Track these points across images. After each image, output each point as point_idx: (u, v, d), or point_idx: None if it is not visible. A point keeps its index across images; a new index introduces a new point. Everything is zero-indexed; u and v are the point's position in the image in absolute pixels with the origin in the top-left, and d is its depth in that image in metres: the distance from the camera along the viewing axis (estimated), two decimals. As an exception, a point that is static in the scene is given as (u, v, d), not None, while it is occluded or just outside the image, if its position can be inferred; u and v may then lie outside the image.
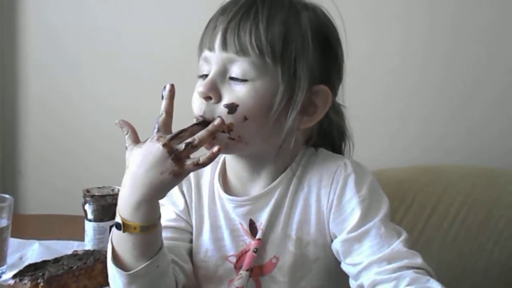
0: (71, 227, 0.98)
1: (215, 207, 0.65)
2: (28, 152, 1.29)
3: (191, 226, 0.66)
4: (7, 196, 0.85)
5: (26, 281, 0.68)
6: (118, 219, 0.55)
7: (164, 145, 0.53)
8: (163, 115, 0.57)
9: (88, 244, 0.88)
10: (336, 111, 0.66)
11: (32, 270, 0.72)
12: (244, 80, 0.58)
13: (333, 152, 0.66)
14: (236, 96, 0.57)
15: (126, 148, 0.57)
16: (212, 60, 0.59)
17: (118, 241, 0.56)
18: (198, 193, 0.66)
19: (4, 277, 0.81)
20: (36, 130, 1.28)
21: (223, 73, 0.59)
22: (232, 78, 0.58)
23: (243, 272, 0.62)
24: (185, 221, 0.66)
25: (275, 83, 0.58)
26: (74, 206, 0.94)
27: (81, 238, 0.90)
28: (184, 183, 0.66)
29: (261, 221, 0.62)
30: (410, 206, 0.96)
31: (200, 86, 0.59)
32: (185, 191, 0.67)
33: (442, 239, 0.95)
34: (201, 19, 0.62)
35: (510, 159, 1.07)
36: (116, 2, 1.21)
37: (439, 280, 0.56)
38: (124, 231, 0.55)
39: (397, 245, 0.56)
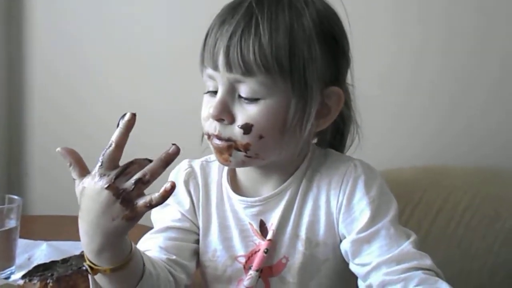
0: (78, 227, 0.98)
1: (223, 207, 0.65)
2: (35, 154, 1.30)
3: (197, 226, 0.66)
4: (15, 197, 0.86)
5: (35, 281, 0.68)
6: (86, 263, 0.51)
7: (108, 187, 0.46)
8: (112, 147, 0.48)
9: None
10: (345, 104, 0.64)
11: (41, 270, 0.72)
12: (255, 99, 0.56)
13: (341, 142, 0.66)
14: (249, 116, 0.57)
15: (74, 183, 0.50)
16: (218, 79, 0.58)
17: (96, 277, 0.52)
18: (206, 192, 0.66)
19: (13, 277, 0.82)
20: (43, 130, 1.28)
21: (231, 92, 0.57)
22: (241, 97, 0.57)
23: (252, 273, 0.62)
24: (190, 221, 0.66)
25: (287, 96, 0.57)
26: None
27: (89, 239, 0.90)
28: (191, 182, 0.66)
29: (272, 221, 0.62)
30: (416, 207, 0.96)
31: (211, 108, 0.57)
32: (192, 191, 0.66)
33: (448, 239, 0.94)
34: (212, 16, 0.61)
35: (509, 156, 1.06)
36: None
37: (447, 281, 0.56)
38: (94, 274, 0.51)
39: (406, 246, 0.57)
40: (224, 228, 0.65)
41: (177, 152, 0.48)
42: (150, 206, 0.46)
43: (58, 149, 0.49)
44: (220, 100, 0.57)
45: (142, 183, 0.47)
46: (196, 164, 0.68)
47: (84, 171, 0.49)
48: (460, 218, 0.95)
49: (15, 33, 1.26)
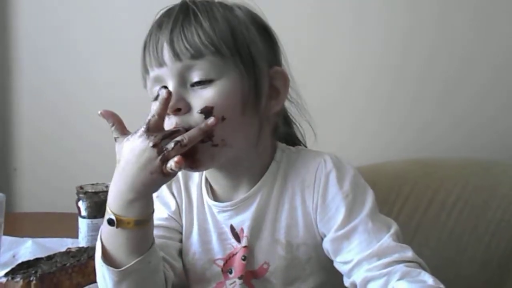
0: (65, 224, 0.97)
1: (203, 209, 0.65)
2: (23, 149, 1.28)
3: (182, 227, 0.66)
4: (-1, 193, 0.84)
5: (18, 279, 0.67)
6: (110, 215, 0.54)
7: (154, 145, 0.52)
8: (155, 117, 0.53)
9: (82, 241, 0.87)
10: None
11: (24, 268, 0.71)
12: (209, 81, 0.56)
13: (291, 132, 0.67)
14: (207, 99, 0.56)
15: (115, 140, 0.55)
16: (166, 75, 0.57)
17: (109, 237, 0.55)
18: (188, 195, 0.66)
19: (-3, 275, 0.80)
20: (31, 126, 1.27)
21: (183, 83, 0.57)
22: (194, 84, 0.56)
23: (236, 280, 0.62)
24: (176, 221, 0.65)
25: (239, 76, 0.57)
26: (70, 203, 0.93)
27: (75, 236, 0.89)
28: (174, 185, 0.66)
29: (243, 227, 0.62)
30: (406, 200, 0.95)
31: None
32: (175, 193, 0.66)
33: (439, 231, 0.94)
34: None
35: (498, 148, 1.06)
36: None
37: (435, 272, 0.55)
38: (117, 227, 0.54)
39: (386, 239, 0.56)
40: (203, 231, 0.64)
41: (216, 123, 0.55)
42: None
43: (99, 112, 0.55)
44: (173, 91, 0.56)
45: (181, 146, 0.53)
46: None
47: (125, 130, 0.55)
48: (451, 209, 0.95)
49: (1, 29, 1.23)
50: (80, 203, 0.87)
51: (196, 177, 0.66)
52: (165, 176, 0.53)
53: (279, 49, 0.64)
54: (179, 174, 0.66)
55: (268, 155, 0.63)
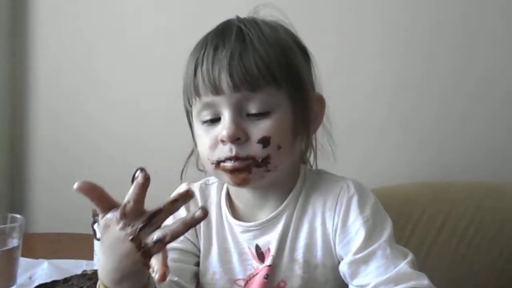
0: (79, 245, 0.98)
1: (223, 229, 0.65)
2: (39, 169, 1.29)
3: (198, 249, 0.66)
4: (18, 216, 0.86)
5: (36, 302, 0.68)
6: (102, 287, 0.50)
7: (132, 239, 0.46)
8: (131, 204, 0.46)
9: (97, 263, 0.87)
10: None
11: (42, 290, 0.72)
12: (265, 113, 0.57)
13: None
14: (265, 129, 0.57)
15: (94, 218, 0.51)
16: (221, 103, 0.57)
17: None
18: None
19: (14, 297, 0.82)
20: (47, 145, 1.28)
21: (239, 112, 0.57)
22: (251, 115, 0.57)
23: None
24: (192, 243, 0.65)
25: (291, 104, 0.59)
26: (86, 223, 0.94)
27: (90, 257, 0.90)
28: (192, 204, 0.65)
29: (269, 246, 0.62)
30: (417, 223, 0.95)
31: (224, 130, 0.57)
32: None
33: (451, 256, 0.94)
34: (213, 18, 0.62)
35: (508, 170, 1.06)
36: (129, 5, 1.21)
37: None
38: None
39: (403, 266, 0.56)
40: (223, 251, 0.64)
41: (204, 217, 0.46)
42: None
43: (75, 186, 0.47)
44: (232, 120, 0.56)
45: (162, 243, 0.46)
46: (195, 187, 0.68)
47: (107, 206, 0.48)
48: (463, 234, 0.94)
49: (20, 48, 1.26)
50: (96, 226, 0.89)
51: (214, 196, 0.67)
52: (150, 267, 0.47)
53: (313, 70, 0.65)
54: (197, 193, 0.67)
55: (294, 175, 0.64)
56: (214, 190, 0.67)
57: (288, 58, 0.59)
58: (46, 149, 1.28)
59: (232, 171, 0.58)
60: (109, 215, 0.47)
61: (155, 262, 0.46)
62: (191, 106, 0.61)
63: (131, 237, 0.46)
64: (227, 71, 0.56)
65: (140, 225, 0.46)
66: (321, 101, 0.64)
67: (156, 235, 0.46)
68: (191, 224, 0.47)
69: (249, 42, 0.57)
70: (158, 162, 1.20)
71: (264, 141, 0.57)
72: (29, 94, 1.28)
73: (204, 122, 0.59)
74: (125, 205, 0.47)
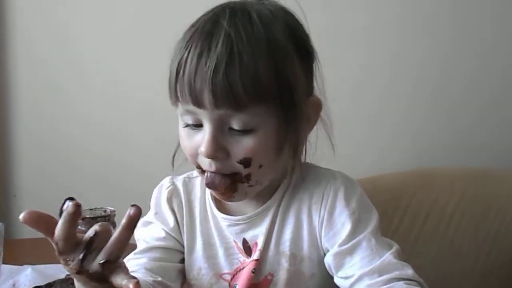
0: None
1: (208, 224, 0.64)
2: (23, 176, 1.27)
3: (182, 245, 0.65)
4: (-3, 222, 0.84)
5: (18, 309, 0.67)
6: None
7: (78, 273, 0.44)
8: (61, 243, 0.43)
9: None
10: None
11: (24, 297, 0.71)
12: (249, 131, 0.54)
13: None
14: (246, 149, 0.54)
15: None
16: (202, 115, 0.54)
17: None
18: (190, 210, 0.65)
19: (-3, 305, 0.80)
20: (30, 152, 1.26)
21: (221, 126, 0.54)
22: (233, 129, 0.55)
23: None
24: (174, 239, 0.64)
25: (279, 121, 0.55)
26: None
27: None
28: (174, 200, 0.65)
29: (256, 240, 0.62)
30: (405, 212, 0.96)
31: (202, 146, 0.54)
32: (176, 209, 0.65)
33: (439, 242, 0.95)
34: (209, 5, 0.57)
35: (499, 160, 1.06)
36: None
37: (436, 284, 0.55)
38: None
39: (388, 256, 0.56)
40: (208, 246, 0.63)
41: (138, 213, 0.44)
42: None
43: (21, 218, 0.44)
44: (211, 138, 0.54)
45: (110, 262, 0.44)
46: (179, 181, 0.67)
47: (50, 230, 0.44)
48: (450, 219, 0.95)
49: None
50: (78, 229, 0.87)
51: (198, 189, 0.65)
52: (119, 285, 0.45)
53: (314, 63, 0.60)
54: (181, 188, 0.65)
55: (281, 172, 0.63)
56: (198, 184, 0.66)
57: (279, 71, 0.54)
58: (29, 152, 1.26)
59: (219, 190, 0.57)
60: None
61: (120, 280, 0.44)
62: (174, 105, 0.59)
63: (75, 272, 0.44)
64: (209, 87, 0.52)
65: (81, 257, 0.44)
66: (316, 105, 0.60)
67: (100, 258, 0.44)
68: (131, 224, 0.44)
69: (236, 53, 0.52)
70: (145, 157, 1.19)
71: (245, 162, 0.55)
72: (13, 94, 1.24)
73: (187, 125, 0.57)
74: (57, 244, 0.44)
